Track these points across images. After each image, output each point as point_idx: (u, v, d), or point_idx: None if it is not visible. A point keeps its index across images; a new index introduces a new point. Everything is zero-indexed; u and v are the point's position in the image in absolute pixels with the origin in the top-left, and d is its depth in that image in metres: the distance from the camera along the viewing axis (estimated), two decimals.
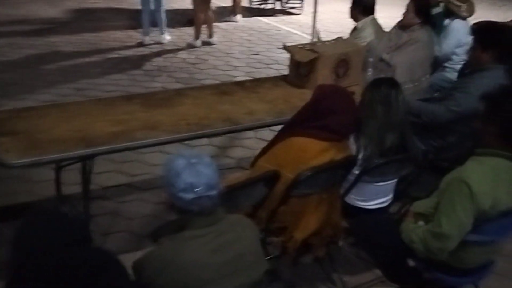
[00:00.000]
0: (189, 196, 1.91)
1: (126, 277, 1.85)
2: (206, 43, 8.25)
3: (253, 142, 5.12)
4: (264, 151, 3.07)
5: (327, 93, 2.95)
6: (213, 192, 1.95)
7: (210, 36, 8.34)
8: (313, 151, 2.85)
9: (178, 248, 1.90)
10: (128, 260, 3.47)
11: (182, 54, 7.71)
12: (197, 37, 8.21)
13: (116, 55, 7.51)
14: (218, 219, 1.99)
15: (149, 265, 1.97)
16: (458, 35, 5.32)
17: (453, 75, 5.13)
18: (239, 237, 2.02)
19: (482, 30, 3.93)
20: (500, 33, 3.78)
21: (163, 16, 8.10)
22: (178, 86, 6.45)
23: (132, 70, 6.98)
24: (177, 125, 3.36)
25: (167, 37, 8.26)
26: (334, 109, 2.90)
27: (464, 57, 5.25)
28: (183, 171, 1.92)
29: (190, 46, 8.13)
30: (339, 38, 5.20)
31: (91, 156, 3.13)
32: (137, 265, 1.99)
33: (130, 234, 3.77)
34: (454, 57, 5.41)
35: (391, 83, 3.10)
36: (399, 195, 3.46)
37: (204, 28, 8.22)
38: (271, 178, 2.78)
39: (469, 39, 5.18)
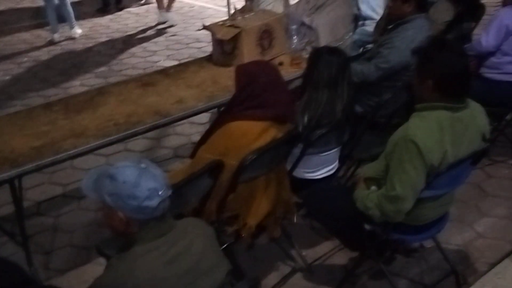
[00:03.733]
0: (154, 202, 1.75)
1: None
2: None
3: (186, 128, 4.96)
4: (203, 140, 2.92)
5: (256, 71, 2.83)
6: (169, 192, 1.81)
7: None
8: (253, 134, 2.73)
9: (131, 267, 1.74)
10: (78, 276, 3.33)
11: (97, 47, 7.38)
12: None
13: (26, 59, 7.09)
14: (170, 228, 1.84)
15: None
16: None
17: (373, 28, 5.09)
18: (193, 242, 1.88)
19: None
20: None
21: (70, 8, 7.66)
22: (98, 81, 6.19)
23: (46, 71, 6.60)
24: (105, 127, 3.15)
25: (78, 30, 7.86)
26: (266, 86, 2.79)
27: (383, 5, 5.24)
28: (140, 179, 1.75)
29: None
30: (244, 7, 5.03)
31: (17, 177, 2.89)
32: None
33: (73, 248, 3.56)
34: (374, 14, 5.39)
35: (338, 62, 3.03)
36: (343, 159, 3.43)
37: None
38: (215, 168, 2.65)
39: None
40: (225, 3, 7.64)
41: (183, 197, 2.57)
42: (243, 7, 4.74)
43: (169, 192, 1.82)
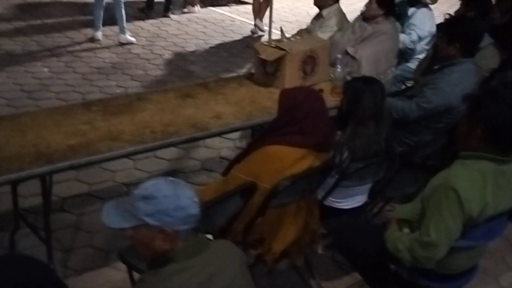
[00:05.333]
0: (196, 209, 1.78)
1: None
2: None
3: (217, 142, 4.95)
4: (238, 159, 2.91)
5: (300, 97, 2.82)
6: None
7: None
8: (290, 159, 2.71)
9: (165, 285, 1.72)
10: (94, 278, 3.32)
11: (136, 49, 7.42)
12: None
13: (66, 54, 7.15)
14: (203, 248, 1.82)
15: None
16: (423, 24, 5.30)
17: (416, 66, 5.08)
18: (226, 265, 1.86)
19: (448, 23, 3.87)
20: (465, 26, 3.72)
21: (123, 11, 7.40)
22: (134, 84, 6.22)
23: (85, 68, 6.66)
24: (141, 134, 3.16)
25: (130, 38, 7.58)
26: (309, 113, 2.78)
27: (427, 47, 5.24)
28: (177, 190, 1.76)
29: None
30: (302, 30, 5.08)
31: (49, 174, 2.90)
32: None
33: (93, 249, 3.55)
34: (417, 47, 5.38)
35: (381, 92, 3.01)
36: (374, 194, 3.38)
37: None
38: (248, 190, 2.63)
39: (433, 29, 5.17)
40: (266, 21, 7.69)
41: (213, 215, 2.55)
42: (300, 30, 4.75)
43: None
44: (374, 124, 2.94)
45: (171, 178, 1.83)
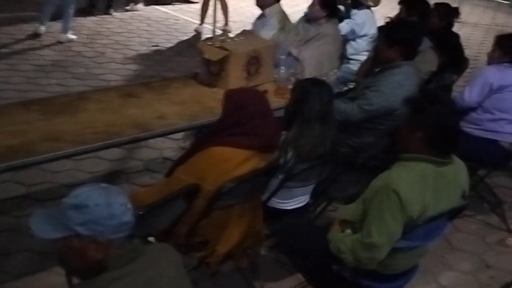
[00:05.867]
0: (130, 216, 1.71)
1: None
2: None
3: (160, 142, 4.87)
4: (182, 160, 2.86)
5: (245, 99, 2.81)
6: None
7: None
8: (235, 161, 2.70)
9: None
10: (32, 282, 3.21)
11: (77, 47, 7.25)
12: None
13: (5, 51, 6.90)
14: (139, 254, 1.77)
15: None
16: (355, 24, 5.43)
17: (357, 67, 5.17)
18: (165, 270, 1.82)
19: (388, 27, 3.95)
20: (405, 30, 3.80)
21: (72, 11, 7.24)
22: (76, 82, 6.07)
23: (24, 66, 6.45)
24: (82, 134, 3.08)
25: (71, 36, 7.39)
26: (253, 114, 2.77)
27: (368, 47, 5.34)
28: (110, 197, 1.68)
29: None
30: (245, 31, 5.08)
31: None
32: None
33: (32, 253, 3.43)
34: (357, 46, 5.49)
35: (329, 94, 3.03)
36: (317, 195, 3.41)
37: None
38: (191, 192, 2.60)
39: (374, 30, 5.27)
40: (211, 20, 7.65)
41: (155, 218, 2.51)
42: (244, 31, 4.75)
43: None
44: (320, 125, 2.95)
45: (103, 185, 1.75)
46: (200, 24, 8.44)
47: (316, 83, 3.14)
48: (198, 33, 8.40)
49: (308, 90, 3.03)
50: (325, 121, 2.97)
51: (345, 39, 5.45)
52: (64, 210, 1.69)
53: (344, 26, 5.37)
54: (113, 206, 1.69)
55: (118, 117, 3.33)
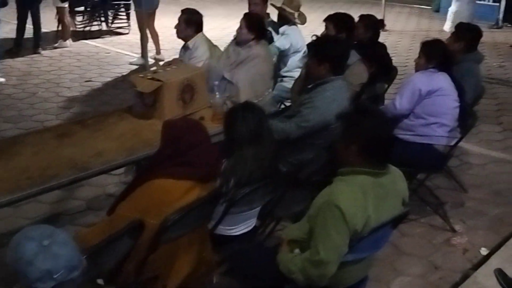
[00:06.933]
0: (47, 285, 1.65)
1: None
2: None
3: (100, 179, 4.76)
4: (123, 196, 2.82)
5: (182, 129, 2.80)
6: (76, 273, 1.70)
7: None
8: (177, 192, 2.68)
9: None
10: None
11: (7, 90, 7.07)
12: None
13: None
14: None
15: None
16: (292, 39, 5.50)
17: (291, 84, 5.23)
18: None
19: (316, 44, 4.02)
20: (332, 47, 3.89)
21: None
22: (8, 126, 5.91)
23: None
24: (17, 180, 3.00)
25: (0, 79, 7.29)
26: (192, 144, 2.76)
27: (300, 64, 5.42)
28: (35, 257, 1.64)
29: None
30: (176, 59, 5.08)
31: None
32: None
33: None
34: (289, 63, 5.56)
35: (257, 116, 3.02)
36: (264, 217, 3.42)
37: None
38: (135, 228, 2.56)
39: (305, 46, 5.35)
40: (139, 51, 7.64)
41: (100, 260, 2.45)
42: (172, 60, 4.73)
43: (75, 274, 1.73)
44: (253, 148, 2.94)
45: (46, 242, 1.71)
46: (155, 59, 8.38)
47: (243, 106, 3.15)
48: (131, 64, 8.34)
49: (234, 115, 3.05)
50: (258, 142, 2.97)
51: (284, 55, 5.53)
52: (15, 241, 1.72)
53: (283, 42, 5.44)
54: (31, 268, 1.67)
55: (54, 159, 3.26)
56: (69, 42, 9.24)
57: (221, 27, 10.49)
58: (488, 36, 10.33)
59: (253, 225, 3.31)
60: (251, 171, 2.91)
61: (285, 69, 5.61)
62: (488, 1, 11.70)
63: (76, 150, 3.41)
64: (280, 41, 5.45)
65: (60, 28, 9.27)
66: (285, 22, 5.66)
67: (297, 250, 2.64)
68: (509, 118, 6.56)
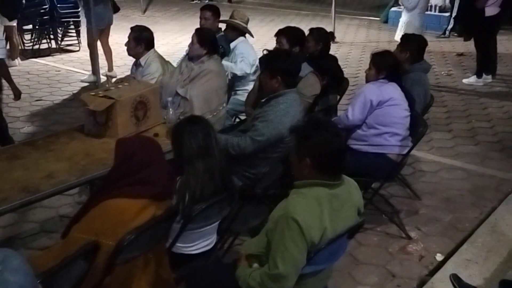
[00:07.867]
0: None
1: None
2: None
3: (53, 200, 4.65)
4: (77, 218, 2.76)
5: (135, 147, 2.76)
6: None
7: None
8: (131, 212, 2.64)
9: None
10: None
11: None
12: None
13: None
14: None
15: None
16: (247, 56, 5.52)
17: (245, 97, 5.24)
18: None
19: (267, 58, 4.05)
20: (284, 61, 3.93)
21: None
22: None
23: None
24: None
25: None
26: (145, 162, 2.73)
27: (253, 77, 5.45)
28: None
29: None
30: (128, 76, 5.05)
31: None
32: None
33: None
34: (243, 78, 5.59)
35: (204, 130, 2.99)
36: (222, 232, 3.40)
37: None
38: (90, 250, 2.51)
39: (256, 58, 5.37)
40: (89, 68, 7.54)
41: (55, 284, 2.39)
42: (124, 77, 4.68)
43: None
44: (202, 162, 2.91)
45: None
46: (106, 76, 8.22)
47: (188, 121, 3.11)
48: (82, 82, 8.22)
49: (180, 131, 3.00)
50: (207, 156, 2.93)
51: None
52: None
53: (243, 67, 5.46)
54: None
55: (3, 183, 3.18)
56: (17, 61, 9.04)
57: (174, 42, 10.45)
58: (436, 45, 10.61)
59: (214, 243, 3.28)
60: (203, 184, 2.89)
61: (238, 82, 5.62)
62: (435, 12, 12.00)
63: (26, 172, 3.34)
64: (240, 67, 5.45)
65: (8, 47, 9.06)
66: (234, 35, 5.67)
67: (255, 265, 2.64)
68: (458, 125, 6.72)
